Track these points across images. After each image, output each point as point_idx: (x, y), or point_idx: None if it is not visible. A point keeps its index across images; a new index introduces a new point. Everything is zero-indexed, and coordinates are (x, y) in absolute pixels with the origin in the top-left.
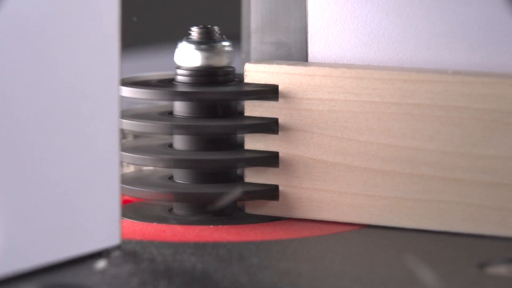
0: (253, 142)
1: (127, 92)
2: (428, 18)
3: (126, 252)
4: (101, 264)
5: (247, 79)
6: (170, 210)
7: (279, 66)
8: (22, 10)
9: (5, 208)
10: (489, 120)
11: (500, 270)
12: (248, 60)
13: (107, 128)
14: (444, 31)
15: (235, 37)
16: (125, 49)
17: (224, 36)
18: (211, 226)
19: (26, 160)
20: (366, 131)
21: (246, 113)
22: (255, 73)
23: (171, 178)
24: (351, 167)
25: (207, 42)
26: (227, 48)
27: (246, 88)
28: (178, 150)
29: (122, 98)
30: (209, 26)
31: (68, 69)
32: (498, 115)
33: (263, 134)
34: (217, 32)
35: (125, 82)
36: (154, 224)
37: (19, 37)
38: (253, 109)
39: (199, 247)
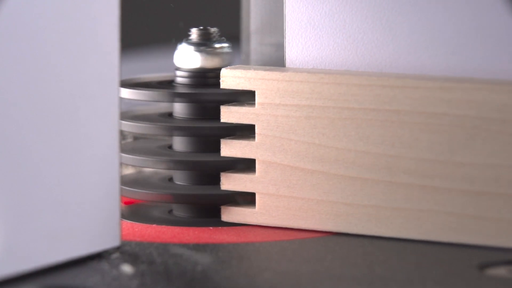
0: (230, 149)
1: (127, 93)
2: (408, 22)
3: (126, 253)
4: (127, 268)
5: (223, 85)
6: (170, 211)
7: (255, 71)
8: (22, 11)
9: (6, 209)
10: (469, 127)
11: (500, 272)
12: (248, 62)
13: (107, 129)
14: (423, 36)
15: (235, 38)
16: (124, 51)
17: (223, 38)
18: (211, 228)
19: (26, 161)
20: (344, 138)
21: (222, 119)
22: (231, 78)
23: (170, 179)
24: (329, 175)
25: (206, 43)
26: (226, 50)
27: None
28: (177, 151)
29: (122, 99)
30: (208, 27)
31: (68, 71)
32: (478, 121)
33: (240, 141)
34: (216, 33)
35: (125, 84)
36: (154, 225)
37: (18, 39)
38: (229, 115)
39: (199, 249)
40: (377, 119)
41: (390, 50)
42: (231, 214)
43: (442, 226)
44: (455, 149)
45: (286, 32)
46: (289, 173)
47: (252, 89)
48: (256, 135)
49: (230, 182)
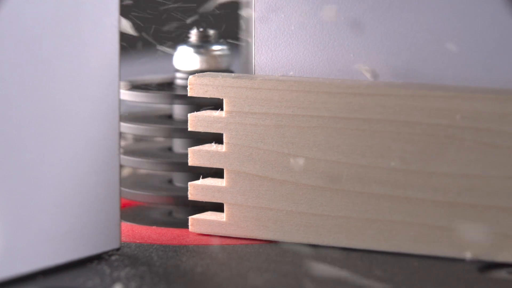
0: (198, 159)
1: (127, 95)
2: (379, 28)
3: (126, 255)
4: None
5: (191, 93)
6: (170, 213)
7: (224, 79)
8: (22, 12)
9: (5, 211)
10: (442, 136)
11: (501, 274)
12: (248, 64)
13: (107, 131)
14: (395, 42)
15: (235, 40)
16: (124, 52)
17: (223, 40)
18: None
19: (26, 163)
20: (314, 147)
21: (190, 128)
22: (199, 86)
23: (170, 181)
24: (298, 185)
25: (205, 46)
26: (225, 52)
27: None
28: (177, 153)
29: (122, 101)
30: (208, 29)
31: (68, 72)
32: (451, 130)
33: (208, 150)
34: (215, 35)
35: (125, 86)
36: (154, 227)
37: (18, 40)
38: (197, 123)
39: (199, 250)
40: (348, 127)
41: (362, 57)
42: (199, 225)
43: (414, 238)
44: (427, 159)
45: (255, 38)
46: (258, 183)
47: (220, 97)
48: (224, 144)
49: (198, 193)
